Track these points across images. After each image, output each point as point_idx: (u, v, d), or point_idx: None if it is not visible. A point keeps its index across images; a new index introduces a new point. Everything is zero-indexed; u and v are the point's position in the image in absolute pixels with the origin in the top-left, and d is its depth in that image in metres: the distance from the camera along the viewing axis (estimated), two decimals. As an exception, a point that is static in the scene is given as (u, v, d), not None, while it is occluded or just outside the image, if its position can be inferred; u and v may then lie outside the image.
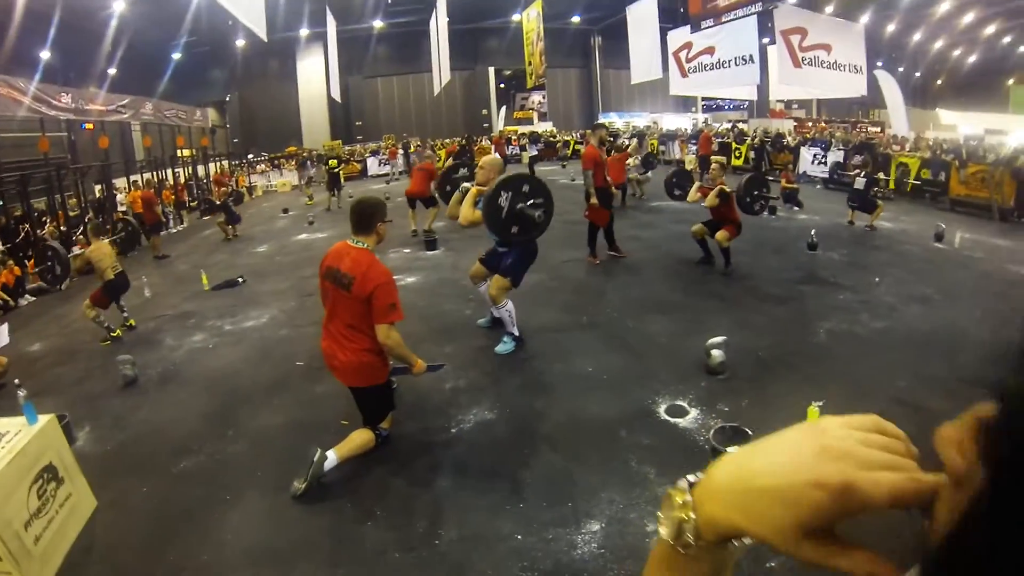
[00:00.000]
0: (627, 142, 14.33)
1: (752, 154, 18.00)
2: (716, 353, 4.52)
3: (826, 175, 15.46)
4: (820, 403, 3.61)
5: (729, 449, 3.27)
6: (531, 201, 4.70)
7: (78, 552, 3.15)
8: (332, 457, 3.38)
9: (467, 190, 4.94)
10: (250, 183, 22.19)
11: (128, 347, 6.17)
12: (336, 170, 16.01)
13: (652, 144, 20.24)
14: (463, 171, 6.62)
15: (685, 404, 4.14)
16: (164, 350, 6.10)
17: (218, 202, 13.44)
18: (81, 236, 11.05)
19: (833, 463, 0.41)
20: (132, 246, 11.54)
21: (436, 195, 10.22)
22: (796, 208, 11.66)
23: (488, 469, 3.54)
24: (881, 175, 12.23)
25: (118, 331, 6.62)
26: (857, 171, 10.37)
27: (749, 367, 4.68)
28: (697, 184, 7.65)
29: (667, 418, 3.99)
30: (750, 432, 3.42)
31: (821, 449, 0.42)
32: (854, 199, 9.98)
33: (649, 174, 14.11)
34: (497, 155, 5.46)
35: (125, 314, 6.90)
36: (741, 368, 4.63)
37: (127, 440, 4.30)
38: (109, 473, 3.82)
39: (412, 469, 3.57)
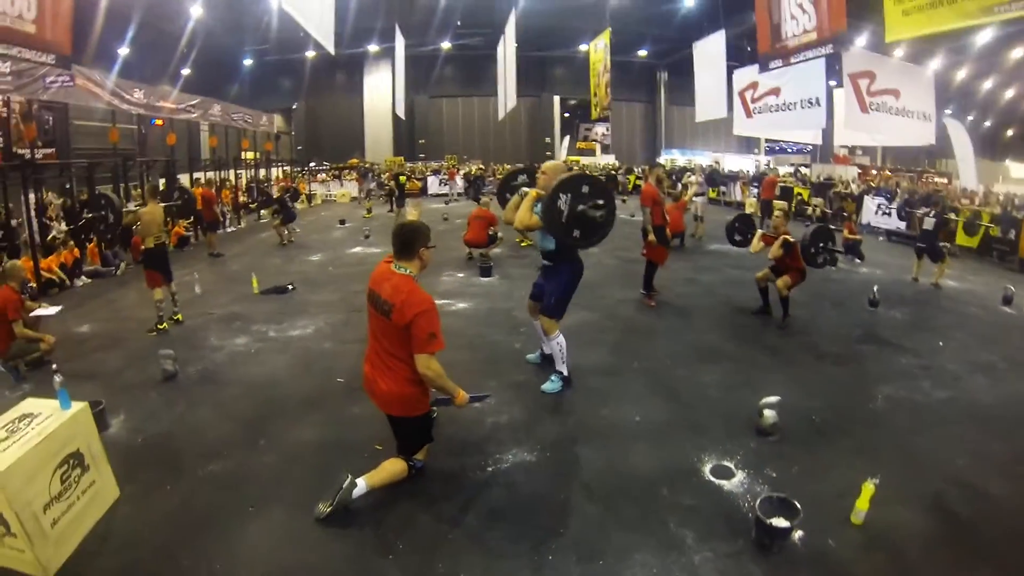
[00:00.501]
0: (689, 179, 14.17)
1: (821, 200, 17.51)
2: (769, 413, 4.27)
3: (891, 227, 14.91)
4: (876, 480, 3.34)
5: (774, 522, 3.06)
6: (592, 203, 4.55)
7: (93, 540, 3.15)
8: (362, 485, 3.28)
9: (526, 194, 4.79)
10: (310, 191, 22.68)
11: (172, 342, 6.22)
12: (404, 185, 16.30)
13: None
14: (522, 178, 6.54)
15: (732, 465, 3.91)
16: (207, 349, 6.14)
17: (276, 195, 13.70)
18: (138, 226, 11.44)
19: None
20: (186, 216, 11.79)
21: (496, 233, 10.26)
22: (858, 260, 11.25)
23: (520, 515, 3.38)
24: (952, 215, 11.71)
25: (165, 324, 6.74)
26: (927, 211, 9.93)
27: (801, 430, 4.42)
28: (760, 232, 7.41)
29: (711, 479, 3.77)
30: (797, 505, 3.17)
31: None
32: (922, 241, 9.55)
33: (704, 198, 13.79)
34: (559, 162, 5.34)
35: (176, 308, 7.02)
36: (792, 431, 4.37)
37: (159, 435, 4.31)
38: (136, 465, 3.83)
39: (441, 506, 3.44)
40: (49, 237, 10.02)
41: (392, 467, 3.40)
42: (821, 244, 7.14)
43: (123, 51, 21.06)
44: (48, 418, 3.15)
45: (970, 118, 29.70)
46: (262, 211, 17.19)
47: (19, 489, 2.80)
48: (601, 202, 4.59)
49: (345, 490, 3.22)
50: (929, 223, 9.49)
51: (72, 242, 9.83)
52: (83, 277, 9.54)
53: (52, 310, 6.38)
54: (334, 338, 6.52)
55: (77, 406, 3.31)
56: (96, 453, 3.37)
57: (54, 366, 4.20)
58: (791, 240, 6.79)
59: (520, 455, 4.04)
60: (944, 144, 17.87)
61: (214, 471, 3.82)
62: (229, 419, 4.55)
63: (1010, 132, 33.06)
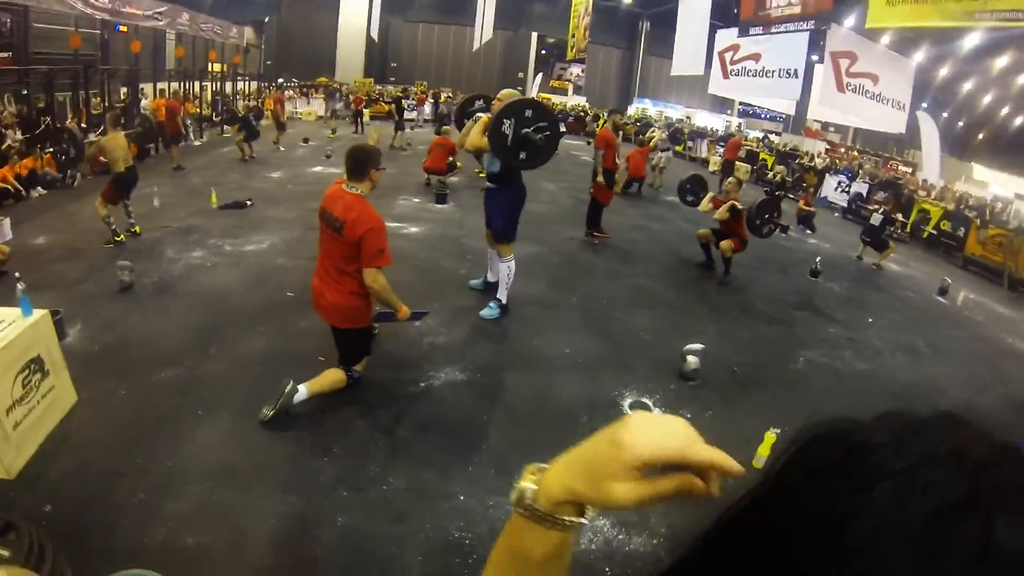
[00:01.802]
0: (653, 133, 14.29)
1: (783, 168, 17.80)
2: (691, 359, 4.61)
3: (846, 204, 15.37)
4: (778, 430, 3.66)
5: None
6: (535, 125, 4.71)
7: (53, 442, 3.29)
8: (303, 391, 3.51)
9: (479, 119, 4.94)
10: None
11: (129, 253, 6.27)
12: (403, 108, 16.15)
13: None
14: (479, 103, 6.61)
15: (650, 403, 4.25)
16: (163, 261, 6.21)
17: (240, 114, 13.43)
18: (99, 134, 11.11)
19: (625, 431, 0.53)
20: (147, 142, 11.52)
21: (455, 163, 10.30)
22: (809, 232, 11.64)
23: (448, 428, 3.66)
24: (899, 216, 12.15)
25: (123, 236, 6.73)
26: (877, 207, 10.32)
27: (722, 379, 4.76)
28: (711, 195, 7.67)
29: (629, 413, 4.04)
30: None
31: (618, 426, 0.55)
32: (868, 234, 9.96)
33: (670, 152, 13.96)
34: (514, 90, 5.44)
35: (132, 220, 6.99)
36: (714, 378, 4.71)
37: (114, 343, 4.43)
38: (93, 372, 3.95)
39: (376, 415, 3.70)
40: (4, 146, 9.68)
41: (332, 375, 3.65)
42: (766, 215, 7.44)
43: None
44: (10, 324, 3.24)
45: (945, 115, 30.22)
46: (226, 127, 16.78)
47: (-19, 393, 2.88)
48: (544, 124, 4.75)
49: (287, 395, 3.46)
50: (876, 219, 9.85)
51: (31, 151, 9.55)
52: (39, 188, 9.29)
53: (6, 231, 6.29)
54: (288, 254, 6.65)
55: (38, 313, 3.40)
56: (56, 359, 3.48)
57: (16, 274, 4.26)
58: (739, 207, 7.06)
59: (453, 375, 4.32)
60: (914, 135, 18.27)
61: (167, 377, 3.99)
62: (183, 329, 4.69)
63: (981, 136, 33.81)
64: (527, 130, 4.68)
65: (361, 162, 3.45)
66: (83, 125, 11.89)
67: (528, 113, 4.69)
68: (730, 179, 7.62)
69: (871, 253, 9.95)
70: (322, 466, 3.22)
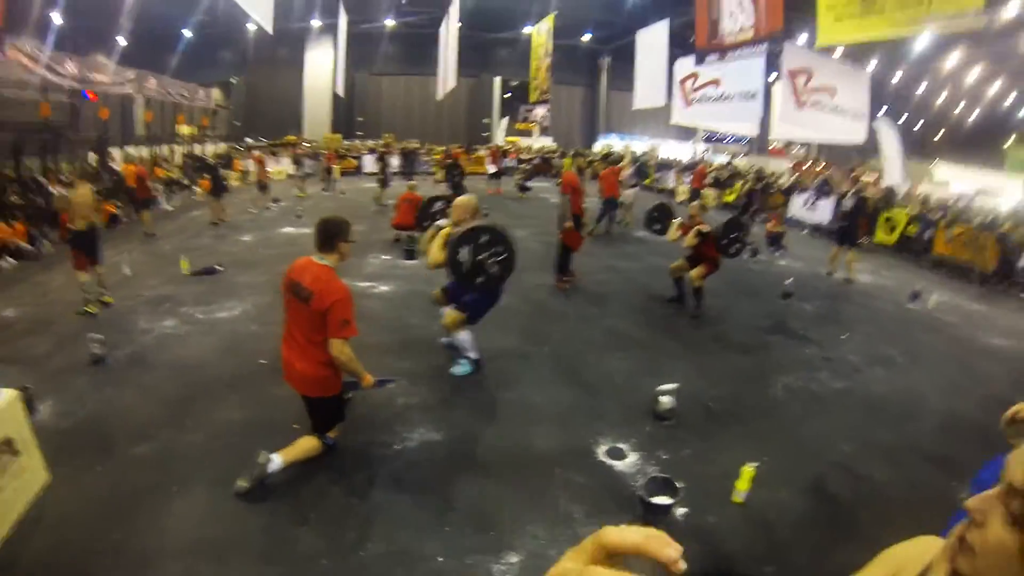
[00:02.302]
0: (621, 153, 14.49)
1: (744, 193, 18.14)
2: (665, 400, 4.64)
3: (815, 221, 15.68)
4: (757, 464, 3.69)
5: (656, 500, 3.41)
6: (491, 251, 4.74)
7: (27, 523, 3.24)
8: (277, 460, 3.52)
9: (440, 228, 5.01)
10: (245, 168, 22.19)
11: (101, 325, 6.24)
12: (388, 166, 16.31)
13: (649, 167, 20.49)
14: (439, 204, 6.72)
15: (626, 447, 4.26)
16: (135, 332, 6.17)
17: (211, 162, 13.41)
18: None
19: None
20: (115, 195, 11.49)
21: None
22: (778, 252, 11.84)
23: (424, 488, 3.67)
24: (869, 195, 12.34)
25: (93, 306, 6.70)
26: (847, 191, 10.56)
27: (698, 416, 4.79)
28: (678, 221, 7.78)
29: (604, 459, 4.11)
30: (679, 485, 3.52)
31: None
32: (842, 220, 10.15)
33: (637, 189, 14.12)
34: (472, 196, 5.52)
35: (103, 289, 6.98)
36: (689, 416, 4.74)
37: (87, 418, 4.40)
38: (66, 449, 3.91)
39: (351, 480, 3.70)
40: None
41: (306, 443, 3.66)
42: (732, 235, 7.59)
43: (55, 19, 20.08)
44: None
45: (902, 120, 31.09)
46: (195, 187, 16.77)
47: (-50, 478, 2.86)
48: (500, 249, 4.78)
49: (261, 465, 3.46)
50: (849, 203, 10.08)
51: (7, 222, 9.52)
52: (8, 258, 9.24)
53: None
54: (260, 320, 6.63)
55: (7, 394, 3.38)
56: (26, 439, 3.44)
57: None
58: (705, 231, 7.16)
59: (427, 434, 4.33)
60: (877, 142, 18.71)
61: (142, 452, 3.96)
62: (156, 401, 4.67)
63: (939, 136, 34.82)
64: (482, 256, 4.74)
65: (330, 234, 3.49)
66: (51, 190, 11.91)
67: (484, 239, 4.73)
68: (692, 204, 7.74)
69: (842, 265, 10.07)
70: (300, 535, 3.21)
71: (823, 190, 15.36)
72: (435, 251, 4.91)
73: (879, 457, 4.33)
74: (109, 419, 4.39)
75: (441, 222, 5.14)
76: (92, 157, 15.43)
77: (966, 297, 9.88)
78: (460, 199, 5.26)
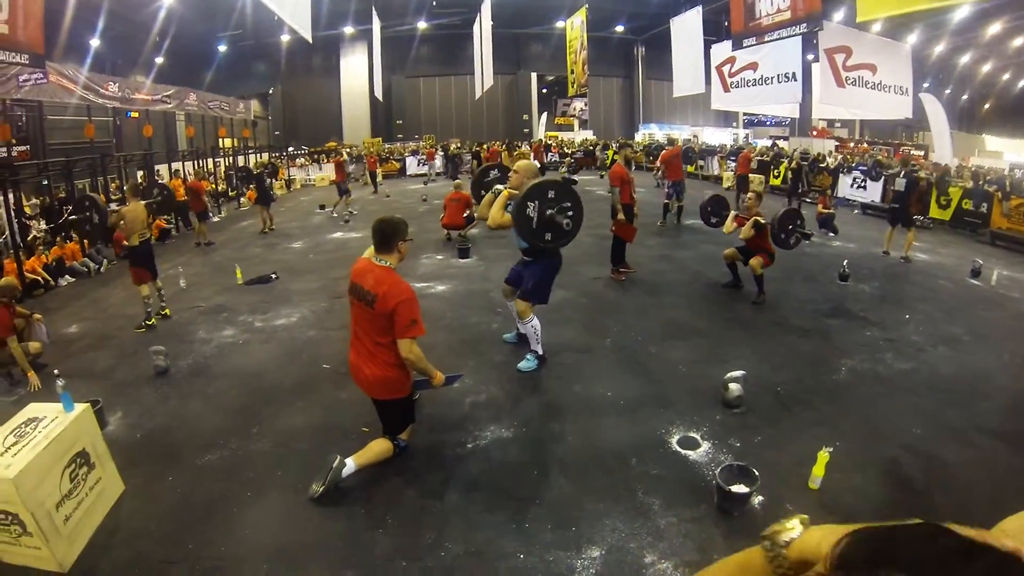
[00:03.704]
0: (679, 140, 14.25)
1: (790, 174, 17.74)
2: (734, 387, 4.53)
3: (865, 199, 15.22)
4: (831, 448, 3.59)
5: (734, 488, 3.31)
6: (559, 207, 4.74)
7: (103, 534, 3.31)
8: (351, 464, 3.51)
9: (499, 192, 4.95)
10: (289, 176, 22.62)
11: (161, 337, 6.38)
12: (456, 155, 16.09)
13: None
14: (494, 173, 6.66)
15: (698, 436, 4.17)
16: (196, 343, 6.29)
17: (255, 171, 13.67)
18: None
19: None
20: (166, 212, 11.75)
21: (473, 215, 10.36)
22: (831, 234, 11.52)
23: (499, 487, 3.62)
24: (922, 174, 11.93)
25: (154, 319, 6.86)
26: (897, 171, 10.14)
27: (766, 403, 4.67)
28: (733, 213, 7.61)
29: (678, 449, 4.03)
30: (756, 472, 3.42)
31: None
32: (895, 200, 9.75)
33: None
34: (532, 162, 5.49)
35: (163, 303, 7.16)
36: (758, 403, 4.63)
37: (156, 429, 4.48)
38: (137, 460, 3.99)
39: (425, 481, 3.67)
40: (29, 237, 10.01)
41: (378, 447, 3.64)
42: (790, 226, 7.38)
43: (94, 43, 20.77)
44: (53, 421, 3.31)
45: (947, 92, 30.05)
46: (241, 199, 17.13)
47: (32, 490, 2.96)
48: (568, 204, 4.79)
49: (335, 470, 3.45)
50: (900, 184, 9.69)
51: (57, 240, 9.85)
52: (67, 276, 9.55)
53: (43, 336, 6.15)
54: (318, 326, 6.68)
55: (79, 407, 3.46)
56: (100, 451, 3.53)
57: (56, 371, 4.34)
58: (762, 222, 7.00)
59: (497, 432, 4.28)
60: (921, 117, 18.12)
61: (211, 460, 4.00)
62: (222, 410, 4.73)
63: (987, 106, 33.54)
64: (551, 211, 4.72)
65: (388, 235, 3.47)
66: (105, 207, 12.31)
67: (551, 194, 4.73)
68: (749, 195, 7.56)
69: (897, 244, 9.76)
70: (377, 538, 3.20)
71: (875, 172, 14.87)
72: (495, 212, 4.84)
73: (951, 438, 4.18)
74: (176, 429, 4.46)
75: (499, 187, 5.07)
76: (140, 175, 15.88)
77: (1028, 270, 9.44)
78: (520, 162, 5.21)
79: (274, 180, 15.44)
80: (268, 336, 6.44)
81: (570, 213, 4.79)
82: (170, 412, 4.75)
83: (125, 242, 6.80)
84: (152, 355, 5.50)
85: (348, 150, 25.75)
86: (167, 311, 7.14)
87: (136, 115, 16.11)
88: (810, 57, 15.39)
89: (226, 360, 5.81)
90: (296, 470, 3.78)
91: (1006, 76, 31.53)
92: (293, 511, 3.43)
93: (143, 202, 7.32)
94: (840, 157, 19.32)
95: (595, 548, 3.09)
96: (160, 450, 4.16)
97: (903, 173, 9.73)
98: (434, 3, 29.03)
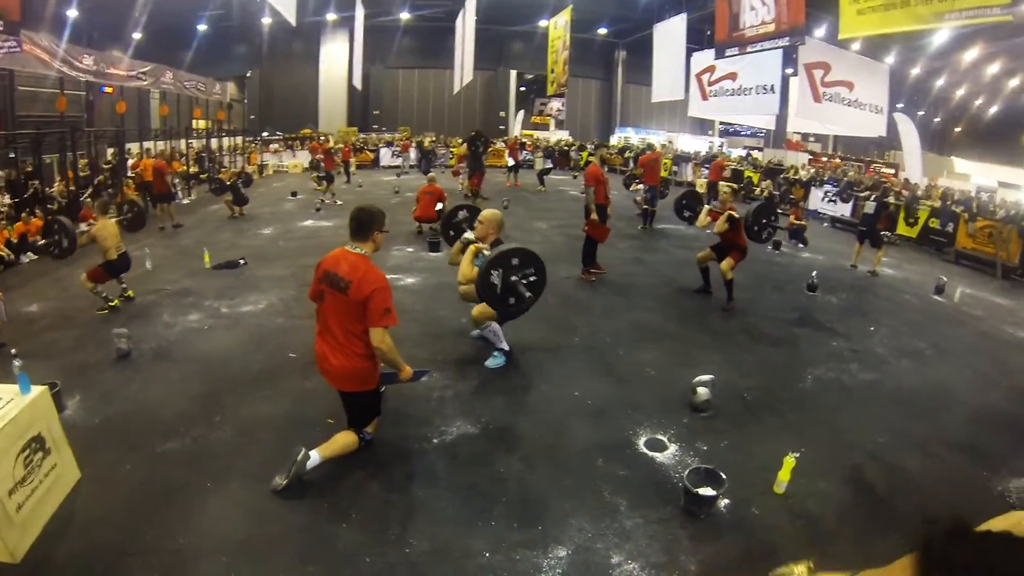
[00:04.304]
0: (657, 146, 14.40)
1: (769, 183, 17.94)
2: (702, 391, 4.57)
3: (836, 213, 15.50)
4: (797, 454, 3.66)
5: (701, 491, 3.34)
6: (522, 273, 4.75)
7: (58, 522, 3.20)
8: (315, 457, 3.45)
9: (468, 241, 5.03)
10: (262, 161, 22.27)
11: (124, 319, 6.23)
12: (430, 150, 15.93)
13: (666, 163, 20.27)
14: (463, 214, 6.69)
15: (665, 439, 4.20)
16: (159, 326, 6.14)
17: (228, 182, 13.50)
18: (88, 200, 11.05)
19: None
20: (138, 227, 11.58)
21: (443, 209, 10.30)
22: (801, 245, 11.72)
23: (465, 483, 3.60)
24: (892, 199, 12.22)
25: (116, 301, 6.68)
26: (868, 194, 10.40)
27: (733, 408, 4.73)
28: (707, 208, 7.68)
29: (645, 451, 4.05)
30: (723, 476, 3.45)
31: None
32: (863, 224, 9.99)
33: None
34: (496, 211, 5.49)
35: (124, 285, 6.96)
36: (725, 408, 4.68)
37: (115, 415, 4.35)
38: (95, 446, 3.86)
39: (390, 475, 3.63)
40: (-8, 210, 9.71)
41: (343, 439, 3.58)
42: (764, 220, 7.49)
43: (72, 14, 20.16)
44: (8, 403, 3.16)
45: (920, 113, 30.78)
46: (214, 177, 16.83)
47: (-17, 477, 2.82)
48: (531, 270, 4.79)
49: (299, 462, 3.39)
50: (870, 207, 9.94)
51: (21, 215, 9.54)
52: (30, 253, 9.24)
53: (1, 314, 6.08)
54: (285, 313, 6.59)
55: (36, 390, 3.31)
56: (57, 436, 3.39)
57: (13, 351, 4.20)
58: (736, 215, 7.06)
59: (464, 427, 4.26)
60: (894, 136, 18.54)
61: (172, 448, 3.90)
62: (185, 396, 4.61)
63: (958, 129, 34.49)
64: (515, 278, 4.72)
65: (365, 223, 3.45)
66: (71, 188, 11.93)
67: (515, 261, 4.73)
68: (724, 190, 7.63)
69: (865, 259, 9.99)
70: (340, 532, 3.14)
71: (846, 195, 15.14)
72: (465, 268, 4.96)
73: (912, 448, 4.30)
74: (137, 415, 4.34)
75: (468, 235, 5.14)
76: (110, 152, 15.48)
77: (990, 290, 9.78)
78: (485, 213, 5.24)
79: (247, 186, 15.19)
80: (234, 322, 6.32)
81: (532, 278, 4.80)
82: (131, 397, 4.62)
83: (105, 259, 6.59)
84: (114, 337, 5.35)
85: (322, 138, 25.41)
86: (130, 292, 6.96)
87: (110, 91, 15.63)
88: (789, 71, 15.64)
89: (190, 345, 5.68)
90: (259, 460, 3.70)
91: (978, 102, 32.45)
92: (255, 503, 3.35)
93: (112, 219, 7.15)
94: (813, 171, 19.68)
95: (561, 548, 3.09)
96: (119, 436, 4.03)
97: (873, 197, 9.98)
98: (419, -7, 28.81)
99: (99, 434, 4.08)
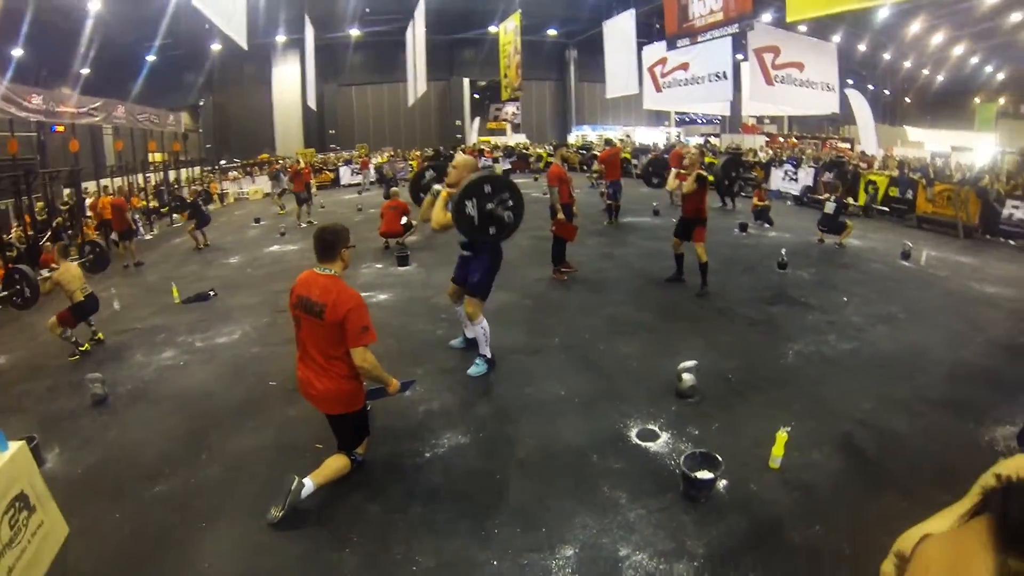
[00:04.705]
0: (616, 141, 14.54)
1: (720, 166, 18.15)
2: (687, 377, 4.60)
3: (797, 193, 15.75)
4: (788, 428, 3.72)
5: (698, 475, 3.37)
6: (498, 199, 4.70)
7: (52, 583, 3.08)
8: (309, 484, 3.38)
9: (438, 192, 4.91)
10: (222, 190, 21.95)
11: (97, 363, 6.08)
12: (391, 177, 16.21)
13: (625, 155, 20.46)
14: (430, 174, 6.63)
15: (656, 428, 4.22)
16: (134, 367, 6.00)
17: (188, 199, 13.25)
18: (47, 243, 10.77)
19: None
20: (101, 267, 11.35)
21: (411, 223, 10.32)
22: (767, 225, 11.89)
23: (462, 494, 3.57)
24: (851, 200, 12.53)
25: (87, 345, 6.53)
26: (828, 196, 10.68)
27: (719, 390, 4.78)
28: (675, 171, 7.70)
29: (638, 442, 4.07)
30: (719, 458, 3.48)
31: None
32: (824, 222, 10.25)
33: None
34: (469, 156, 5.44)
35: (93, 327, 6.79)
36: (711, 391, 4.73)
37: (98, 462, 4.22)
38: (80, 498, 3.74)
39: (387, 495, 3.59)
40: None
41: (335, 463, 3.52)
42: (733, 173, 7.58)
43: (16, 53, 19.66)
44: None
45: (871, 88, 31.56)
46: (174, 215, 16.53)
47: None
48: (506, 195, 4.76)
49: (293, 492, 3.32)
50: (830, 207, 10.18)
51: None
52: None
53: None
54: (261, 342, 6.49)
55: (14, 446, 3.18)
56: (40, 492, 3.26)
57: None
58: (705, 174, 7.13)
59: (454, 438, 4.23)
60: (847, 112, 18.95)
61: (160, 491, 3.79)
62: (167, 436, 4.50)
63: (908, 100, 35.47)
64: (491, 205, 4.68)
65: (330, 243, 3.39)
66: (29, 232, 11.60)
67: (487, 188, 4.68)
68: (691, 150, 7.64)
69: (831, 236, 10.18)
70: (343, 558, 3.09)
71: (806, 199, 15.29)
72: (437, 213, 4.81)
73: (898, 410, 4.41)
74: (120, 461, 4.21)
75: (437, 187, 5.02)
76: (66, 192, 15.11)
77: (953, 250, 10.06)
78: (458, 158, 5.17)
79: (208, 205, 14.97)
80: (210, 355, 6.20)
81: (510, 203, 4.77)
82: (112, 443, 4.49)
83: (72, 301, 6.43)
84: (88, 383, 5.19)
85: (280, 162, 25.15)
86: (100, 335, 6.79)
87: (62, 129, 15.25)
88: (739, 57, 15.88)
89: (168, 383, 5.55)
90: (251, 494, 3.63)
91: (925, 71, 33.38)
92: (252, 537, 3.28)
93: (75, 262, 6.99)
94: (771, 152, 20.01)
95: (568, 547, 3.08)
96: (104, 485, 3.91)
97: (833, 199, 10.23)
98: (367, 10, 28.69)
99: (83, 485, 3.95)
